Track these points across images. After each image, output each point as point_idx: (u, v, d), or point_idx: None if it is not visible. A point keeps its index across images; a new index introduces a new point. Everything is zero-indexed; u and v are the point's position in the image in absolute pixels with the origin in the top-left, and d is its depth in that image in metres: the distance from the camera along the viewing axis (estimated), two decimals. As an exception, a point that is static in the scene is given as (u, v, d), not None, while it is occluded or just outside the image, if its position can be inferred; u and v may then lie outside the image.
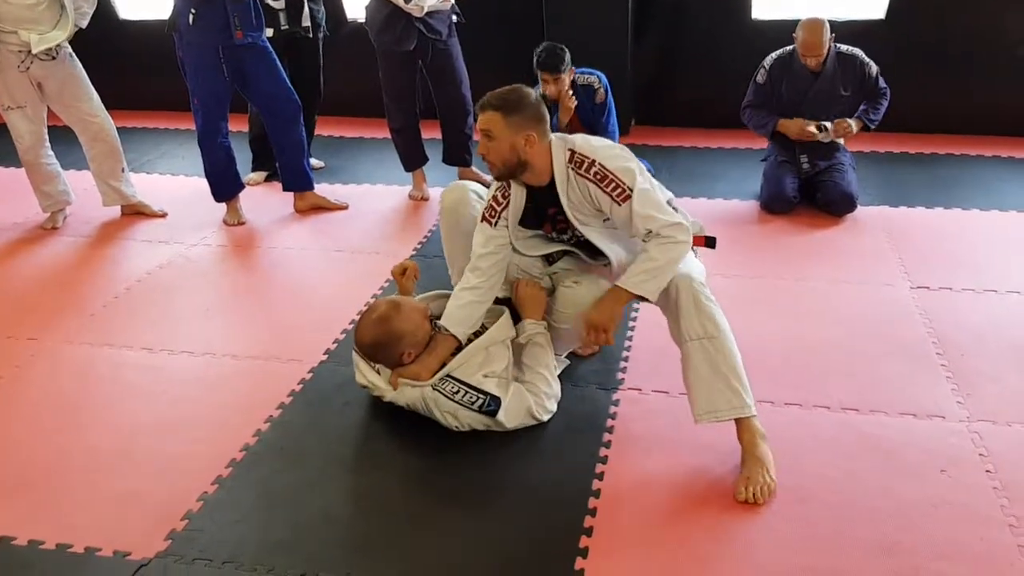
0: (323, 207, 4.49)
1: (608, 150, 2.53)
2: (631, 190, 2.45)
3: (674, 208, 2.67)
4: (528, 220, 2.69)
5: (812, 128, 4.18)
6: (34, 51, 3.93)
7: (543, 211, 2.67)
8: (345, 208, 4.50)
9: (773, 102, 4.32)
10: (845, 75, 4.22)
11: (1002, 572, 2.08)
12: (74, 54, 4.18)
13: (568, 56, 4.10)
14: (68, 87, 4.17)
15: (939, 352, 3.01)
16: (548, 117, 2.55)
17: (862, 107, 4.28)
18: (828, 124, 4.20)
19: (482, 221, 2.67)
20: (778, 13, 5.22)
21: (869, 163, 4.83)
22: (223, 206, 4.38)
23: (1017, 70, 5.07)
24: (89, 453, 2.62)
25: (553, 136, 2.56)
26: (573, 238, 2.70)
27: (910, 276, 3.57)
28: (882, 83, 4.23)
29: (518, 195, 2.62)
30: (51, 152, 4.31)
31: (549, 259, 2.82)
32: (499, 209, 2.64)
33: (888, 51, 5.07)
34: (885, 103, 4.28)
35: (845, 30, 5.04)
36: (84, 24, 4.16)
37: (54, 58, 4.04)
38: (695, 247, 2.66)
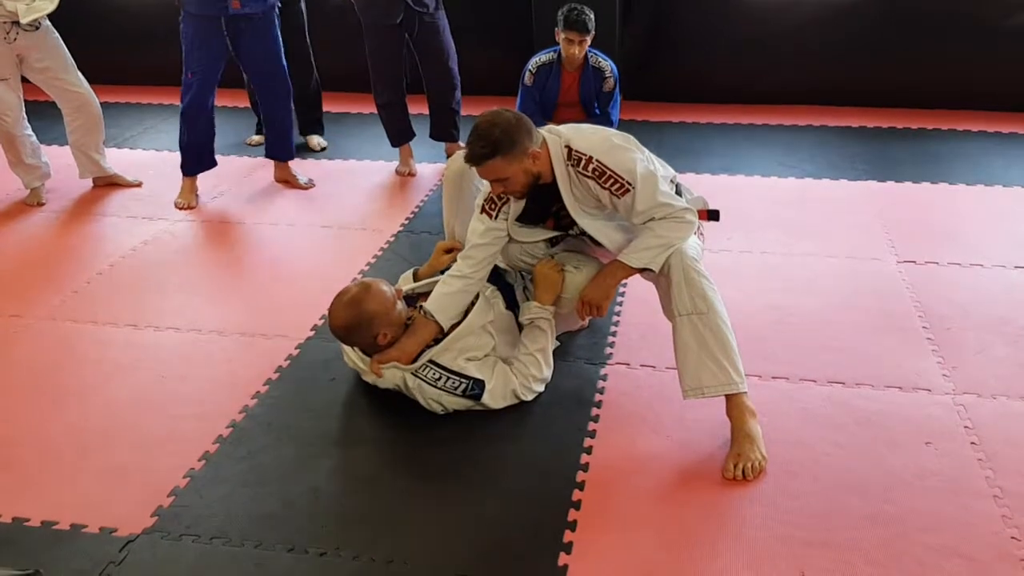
0: (290, 182, 4.45)
1: (604, 143, 2.51)
2: (631, 184, 2.43)
3: (677, 185, 2.66)
4: (529, 217, 2.67)
5: None
6: (23, 22, 3.87)
7: (546, 208, 2.65)
8: (310, 188, 4.42)
9: None
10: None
11: (987, 542, 2.10)
12: (51, 26, 4.13)
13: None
14: (52, 58, 4.12)
15: (925, 325, 3.02)
16: (531, 123, 2.48)
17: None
18: None
19: (481, 212, 2.64)
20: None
21: (857, 138, 4.83)
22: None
23: (1003, 44, 5.05)
24: (74, 430, 2.60)
25: (544, 133, 2.53)
26: (577, 230, 2.68)
27: (897, 250, 3.57)
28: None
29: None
30: (28, 124, 4.25)
31: (551, 241, 2.80)
32: (499, 204, 2.62)
33: (874, 25, 5.07)
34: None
35: (829, 5, 5.04)
36: None
37: (37, 28, 4.00)
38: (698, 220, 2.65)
